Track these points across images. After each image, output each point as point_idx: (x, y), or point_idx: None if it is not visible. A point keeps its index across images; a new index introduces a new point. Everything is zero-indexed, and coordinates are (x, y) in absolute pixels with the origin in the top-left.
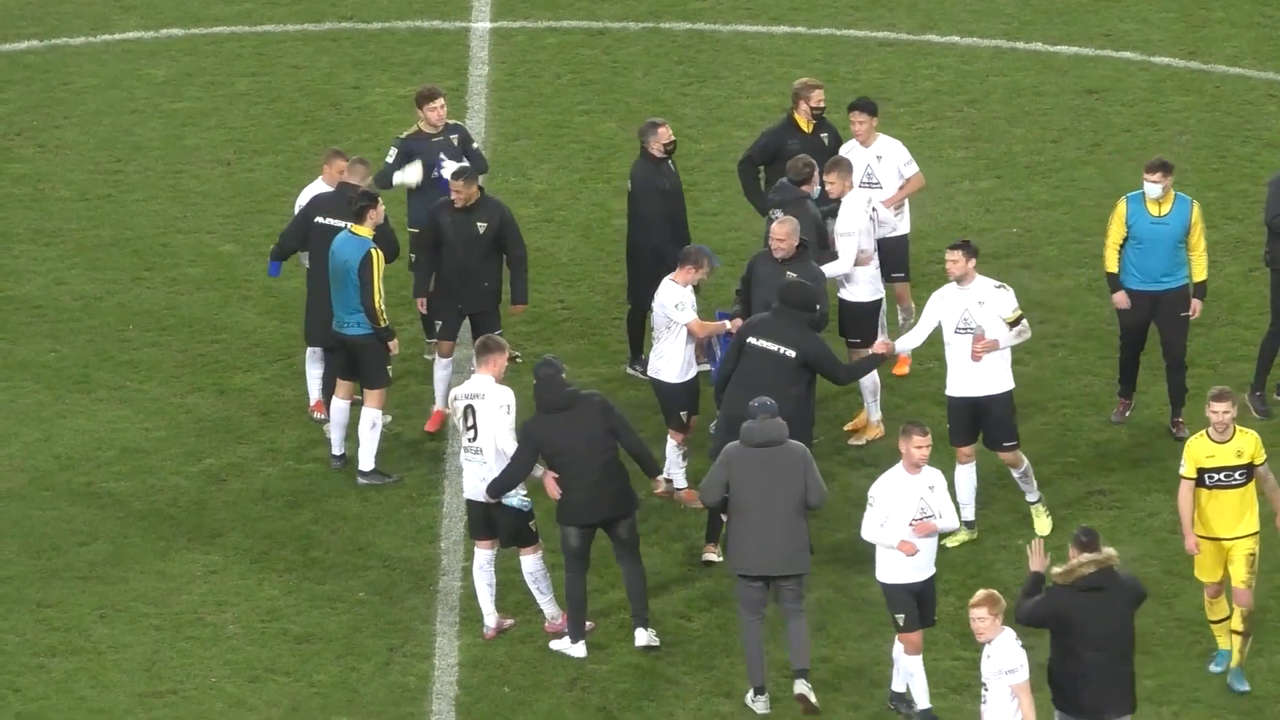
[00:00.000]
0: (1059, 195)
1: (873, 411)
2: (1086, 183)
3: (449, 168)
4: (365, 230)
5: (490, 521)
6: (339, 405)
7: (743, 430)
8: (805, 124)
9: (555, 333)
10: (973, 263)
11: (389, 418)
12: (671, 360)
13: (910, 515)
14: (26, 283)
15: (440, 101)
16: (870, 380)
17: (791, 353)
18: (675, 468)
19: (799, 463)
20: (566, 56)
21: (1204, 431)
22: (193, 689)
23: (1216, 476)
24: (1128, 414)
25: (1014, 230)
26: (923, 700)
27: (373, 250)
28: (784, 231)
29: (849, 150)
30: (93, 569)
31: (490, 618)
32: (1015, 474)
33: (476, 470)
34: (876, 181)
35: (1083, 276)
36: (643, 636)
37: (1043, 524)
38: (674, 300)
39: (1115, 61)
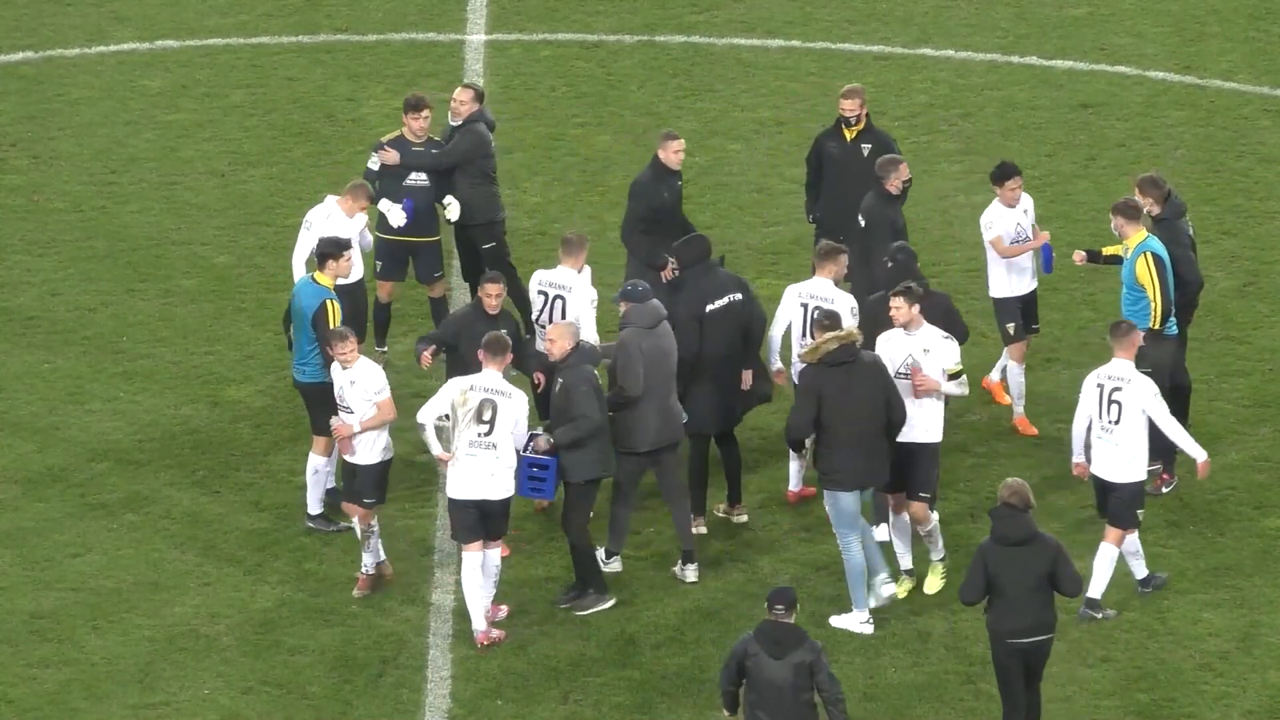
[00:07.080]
0: (1053, 210)
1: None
2: (1081, 197)
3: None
4: (325, 279)
5: (484, 519)
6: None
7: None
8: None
9: None
10: (916, 308)
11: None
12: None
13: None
14: (21, 294)
15: (427, 114)
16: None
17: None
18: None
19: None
20: (561, 69)
21: None
22: (186, 701)
23: None
24: (1163, 489)
25: None
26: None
27: (329, 301)
28: (556, 333)
29: (1000, 215)
30: (85, 580)
31: (480, 621)
32: (921, 530)
33: (485, 464)
34: (1027, 236)
35: (1077, 291)
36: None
37: (933, 583)
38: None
39: (1110, 76)
